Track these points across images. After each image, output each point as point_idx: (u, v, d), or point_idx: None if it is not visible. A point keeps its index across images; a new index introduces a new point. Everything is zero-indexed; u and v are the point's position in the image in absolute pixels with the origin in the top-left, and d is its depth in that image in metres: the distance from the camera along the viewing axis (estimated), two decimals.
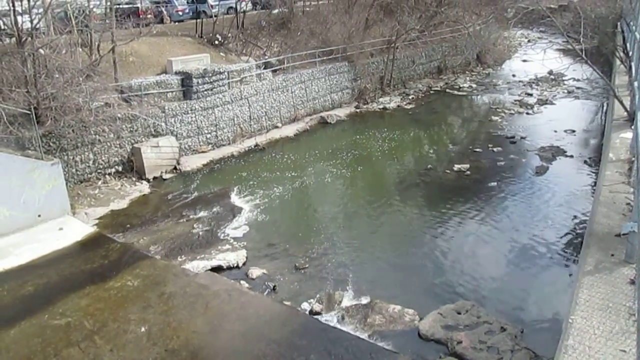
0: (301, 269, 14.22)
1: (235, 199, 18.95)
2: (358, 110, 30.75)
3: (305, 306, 12.65)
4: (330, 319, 12.15)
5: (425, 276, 13.91)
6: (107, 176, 19.97)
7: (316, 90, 29.20)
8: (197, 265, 14.21)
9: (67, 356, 10.68)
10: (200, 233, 16.30)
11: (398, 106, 31.51)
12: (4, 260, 14.07)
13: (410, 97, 33.40)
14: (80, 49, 20.99)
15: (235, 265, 14.47)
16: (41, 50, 18.46)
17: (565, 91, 33.58)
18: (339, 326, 11.85)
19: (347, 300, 12.82)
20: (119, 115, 20.04)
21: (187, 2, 35.24)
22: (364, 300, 12.77)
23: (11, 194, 15.38)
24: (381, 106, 31.35)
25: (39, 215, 16.08)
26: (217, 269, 14.20)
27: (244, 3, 31.93)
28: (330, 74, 30.06)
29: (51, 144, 18.16)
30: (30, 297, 12.74)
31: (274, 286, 13.45)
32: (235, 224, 16.98)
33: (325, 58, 29.89)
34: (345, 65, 30.98)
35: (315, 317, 12.22)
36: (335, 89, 30.53)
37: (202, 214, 17.68)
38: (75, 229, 16.05)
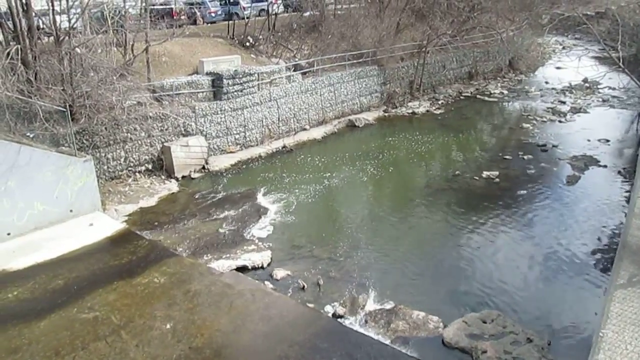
0: (325, 272, 14.21)
1: (261, 199, 19.06)
2: (386, 114, 30.64)
3: (329, 309, 12.64)
4: (353, 322, 12.13)
5: (451, 283, 13.74)
6: (137, 174, 20.34)
7: (345, 94, 29.20)
8: (223, 265, 14.35)
9: (95, 350, 10.88)
10: (227, 233, 16.45)
11: (427, 111, 31.28)
12: (37, 254, 14.44)
13: (439, 102, 33.12)
14: (115, 49, 21.44)
15: (260, 265, 14.56)
16: (78, 49, 18.95)
17: (600, 100, 32.81)
18: (361, 330, 11.82)
19: (371, 305, 12.77)
20: (150, 114, 20.43)
21: (220, 4, 35.69)
22: (388, 305, 12.70)
23: (45, 189, 15.79)
24: (410, 111, 31.16)
25: (71, 211, 16.46)
26: (242, 269, 14.32)
27: (275, 5, 32.16)
28: (360, 77, 30.02)
29: (84, 141, 18.58)
30: (60, 291, 13.02)
31: (304, 285, 13.51)
32: (261, 224, 17.09)
33: (355, 61, 29.88)
34: (375, 68, 30.91)
35: (339, 320, 12.20)
36: (364, 92, 30.48)
37: (228, 213, 17.83)
38: (105, 225, 16.36)
